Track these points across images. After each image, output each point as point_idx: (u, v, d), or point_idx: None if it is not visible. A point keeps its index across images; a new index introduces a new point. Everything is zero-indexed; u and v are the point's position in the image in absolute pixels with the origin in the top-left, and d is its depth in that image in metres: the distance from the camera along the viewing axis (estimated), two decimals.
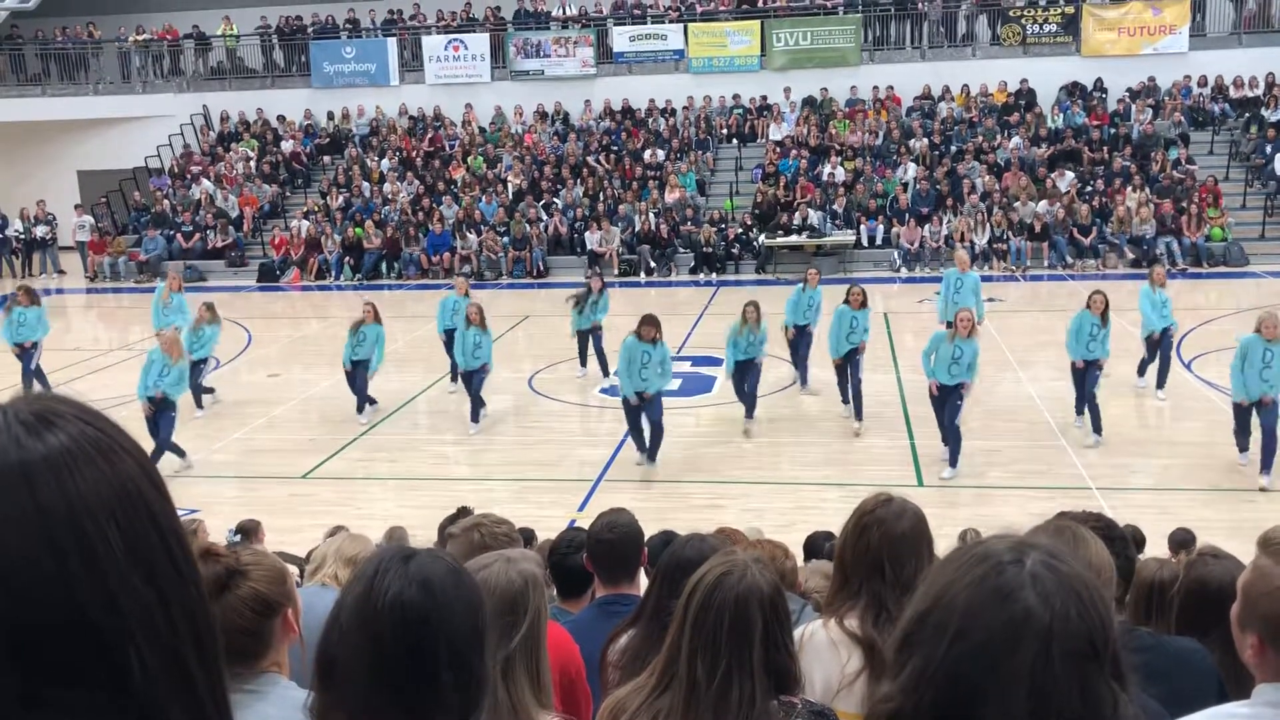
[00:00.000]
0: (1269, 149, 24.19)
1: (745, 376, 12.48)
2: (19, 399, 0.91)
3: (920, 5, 27.62)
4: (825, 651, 2.72)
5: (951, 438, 10.96)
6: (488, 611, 1.65)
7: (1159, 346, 13.12)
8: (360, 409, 13.49)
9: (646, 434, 11.31)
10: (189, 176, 28.07)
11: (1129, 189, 23.31)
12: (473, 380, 12.79)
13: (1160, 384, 13.18)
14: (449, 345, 13.99)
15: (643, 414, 11.16)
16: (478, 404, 12.95)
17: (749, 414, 12.65)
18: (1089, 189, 23.81)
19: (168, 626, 0.89)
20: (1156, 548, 6.89)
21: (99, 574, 0.86)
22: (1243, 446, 10.65)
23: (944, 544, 2.81)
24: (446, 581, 1.59)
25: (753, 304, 12.45)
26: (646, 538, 4.30)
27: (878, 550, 2.73)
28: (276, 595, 2.19)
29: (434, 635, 1.54)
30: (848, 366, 12.57)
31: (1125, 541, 3.08)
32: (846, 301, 12.52)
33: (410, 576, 1.58)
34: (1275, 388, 10.10)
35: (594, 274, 15.76)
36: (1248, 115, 25.40)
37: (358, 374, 13.34)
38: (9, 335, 14.33)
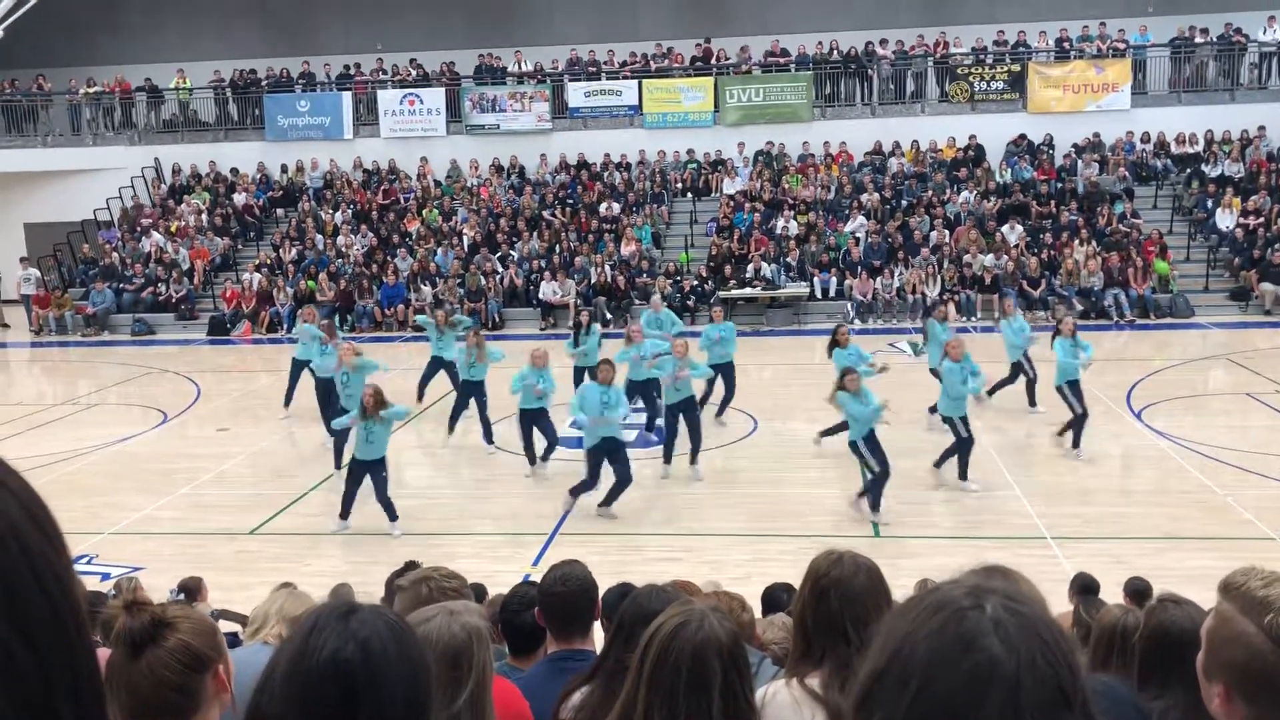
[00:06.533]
0: (1209, 203, 24.78)
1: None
2: None
3: (870, 71, 28.12)
4: (788, 711, 2.64)
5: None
6: (433, 675, 1.53)
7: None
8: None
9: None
10: (139, 229, 27.76)
11: (1076, 242, 23.73)
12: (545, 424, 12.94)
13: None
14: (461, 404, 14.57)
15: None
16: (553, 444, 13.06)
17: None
18: (1038, 242, 24.21)
19: (38, 678, 0.82)
20: (1111, 596, 6.88)
21: None
22: None
23: (901, 595, 2.77)
24: (388, 640, 1.46)
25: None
26: (603, 591, 4.20)
27: (839, 615, 2.65)
28: (206, 649, 2.09)
29: (369, 699, 1.42)
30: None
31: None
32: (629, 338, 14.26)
33: (349, 634, 1.44)
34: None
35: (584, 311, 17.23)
36: (1189, 171, 26.05)
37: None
38: None
